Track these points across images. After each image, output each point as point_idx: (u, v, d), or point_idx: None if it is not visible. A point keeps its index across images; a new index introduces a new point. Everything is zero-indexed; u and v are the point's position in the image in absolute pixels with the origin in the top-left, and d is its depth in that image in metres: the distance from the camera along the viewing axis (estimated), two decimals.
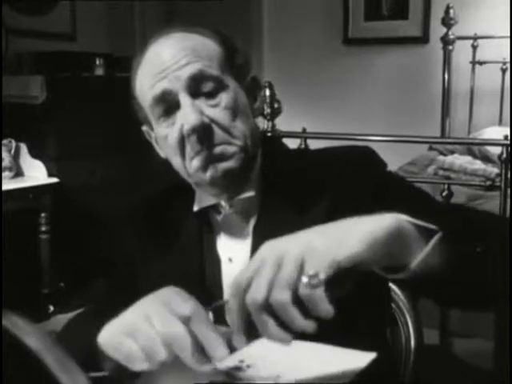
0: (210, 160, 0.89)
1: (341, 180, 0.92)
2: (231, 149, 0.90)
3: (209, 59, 0.89)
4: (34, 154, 2.97)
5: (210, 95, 0.89)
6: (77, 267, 2.88)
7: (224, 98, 0.89)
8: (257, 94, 0.99)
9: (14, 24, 3.20)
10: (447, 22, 3.40)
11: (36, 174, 2.95)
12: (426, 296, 0.80)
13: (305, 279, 0.60)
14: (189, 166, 0.91)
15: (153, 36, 0.94)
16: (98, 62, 3.18)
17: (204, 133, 0.88)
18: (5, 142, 2.91)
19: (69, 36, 3.57)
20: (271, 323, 0.61)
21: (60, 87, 2.97)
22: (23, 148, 2.98)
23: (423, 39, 3.69)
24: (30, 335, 0.41)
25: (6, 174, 2.86)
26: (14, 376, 0.43)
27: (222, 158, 0.90)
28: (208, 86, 0.89)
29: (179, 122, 0.89)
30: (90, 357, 0.77)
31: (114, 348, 0.70)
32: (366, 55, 3.85)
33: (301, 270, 0.61)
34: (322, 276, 0.60)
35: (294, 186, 0.94)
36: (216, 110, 0.89)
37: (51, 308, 2.92)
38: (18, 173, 2.97)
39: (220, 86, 0.89)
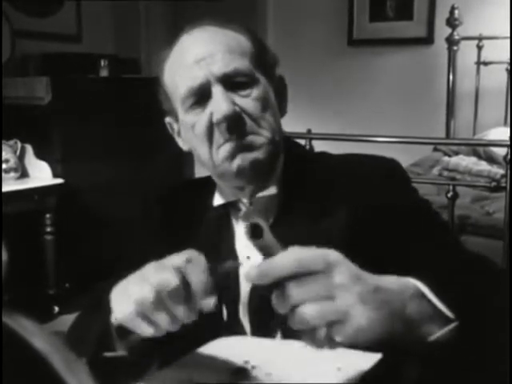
0: (238, 149, 0.90)
1: (365, 189, 0.91)
2: (260, 139, 0.91)
3: (242, 55, 0.91)
4: (40, 155, 2.97)
5: (242, 86, 0.90)
6: (82, 268, 2.89)
7: (255, 89, 0.91)
8: (284, 93, 1.01)
9: (20, 25, 3.21)
10: (452, 22, 3.40)
11: (41, 175, 2.95)
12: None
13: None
14: (216, 154, 0.91)
15: (185, 28, 0.97)
16: (103, 64, 3.19)
17: (234, 121, 0.89)
18: (10, 143, 2.92)
19: (74, 37, 3.58)
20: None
21: (65, 88, 2.97)
22: (28, 149, 2.99)
23: (428, 40, 3.68)
24: (37, 336, 0.41)
25: (11, 175, 2.87)
26: (20, 377, 0.43)
27: (251, 147, 0.90)
28: (241, 79, 0.90)
29: (209, 110, 0.90)
30: (105, 340, 0.78)
31: (124, 318, 0.72)
32: (370, 56, 3.84)
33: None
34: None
35: (315, 190, 0.93)
36: (247, 101, 0.90)
37: (56, 309, 2.92)
38: (24, 174, 2.97)
39: (252, 80, 0.91)
